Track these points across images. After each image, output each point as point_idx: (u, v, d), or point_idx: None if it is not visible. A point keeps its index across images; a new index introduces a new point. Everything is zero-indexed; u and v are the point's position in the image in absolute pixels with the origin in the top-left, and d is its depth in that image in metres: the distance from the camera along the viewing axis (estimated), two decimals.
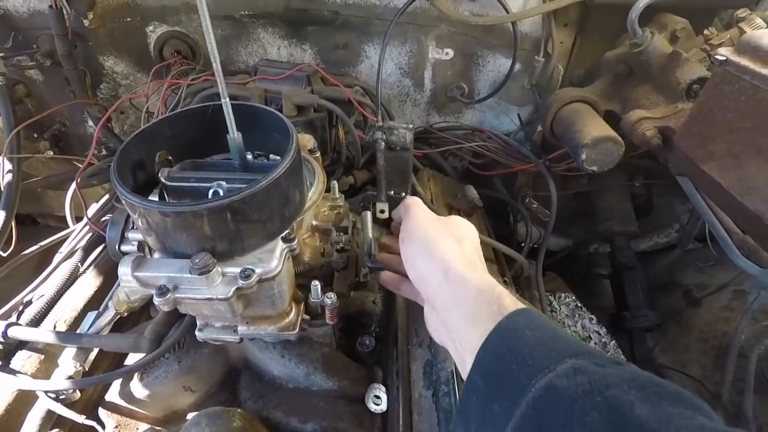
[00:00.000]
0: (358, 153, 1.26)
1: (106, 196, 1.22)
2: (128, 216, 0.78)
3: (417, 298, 0.69)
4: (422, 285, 0.61)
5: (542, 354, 0.43)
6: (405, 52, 1.36)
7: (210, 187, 0.63)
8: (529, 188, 1.39)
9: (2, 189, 1.11)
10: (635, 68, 1.07)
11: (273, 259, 0.62)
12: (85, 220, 1.06)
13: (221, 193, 0.62)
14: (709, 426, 0.34)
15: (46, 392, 0.72)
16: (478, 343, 0.48)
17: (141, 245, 0.76)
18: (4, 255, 1.10)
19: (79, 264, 0.97)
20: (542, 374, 0.41)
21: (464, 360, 0.52)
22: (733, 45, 0.81)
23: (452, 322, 0.55)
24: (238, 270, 0.60)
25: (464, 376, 0.52)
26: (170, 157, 0.70)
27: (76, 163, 1.40)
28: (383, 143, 1.04)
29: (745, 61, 0.70)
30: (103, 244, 1.04)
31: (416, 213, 0.66)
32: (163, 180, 0.66)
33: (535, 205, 1.38)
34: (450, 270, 0.57)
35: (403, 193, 1.11)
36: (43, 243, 1.13)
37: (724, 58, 0.73)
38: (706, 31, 1.01)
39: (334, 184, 0.85)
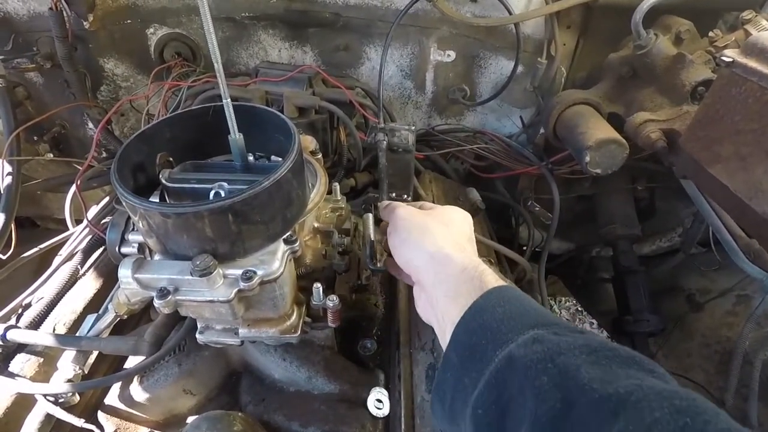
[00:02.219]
0: (359, 155, 1.26)
1: (106, 199, 1.22)
2: (128, 218, 0.77)
3: None
4: (410, 267, 0.63)
5: (508, 327, 0.45)
6: (406, 54, 1.36)
7: (211, 189, 0.63)
8: (531, 191, 1.39)
9: (2, 191, 1.11)
10: (639, 70, 1.07)
11: (275, 261, 0.61)
12: (84, 222, 1.06)
13: (222, 195, 0.61)
14: (653, 385, 0.35)
15: (45, 395, 0.71)
16: (456, 318, 0.50)
17: (141, 247, 0.76)
18: (4, 258, 1.09)
19: (78, 266, 0.97)
20: (505, 345, 0.43)
21: (445, 335, 0.53)
22: (739, 47, 0.81)
23: (436, 299, 0.57)
24: (239, 272, 0.59)
25: (444, 349, 0.53)
26: (171, 159, 0.69)
27: (76, 165, 1.39)
28: (385, 143, 1.03)
29: (752, 63, 0.70)
30: (103, 247, 1.03)
31: (399, 210, 0.67)
32: (163, 181, 0.65)
33: (537, 208, 1.37)
34: (436, 252, 0.58)
35: (405, 195, 1.10)
36: (42, 245, 1.12)
37: (731, 59, 0.72)
38: (711, 33, 1.01)
39: (336, 185, 0.84)
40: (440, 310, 0.56)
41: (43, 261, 1.11)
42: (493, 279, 0.53)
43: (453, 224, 0.65)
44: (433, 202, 1.14)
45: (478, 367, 0.45)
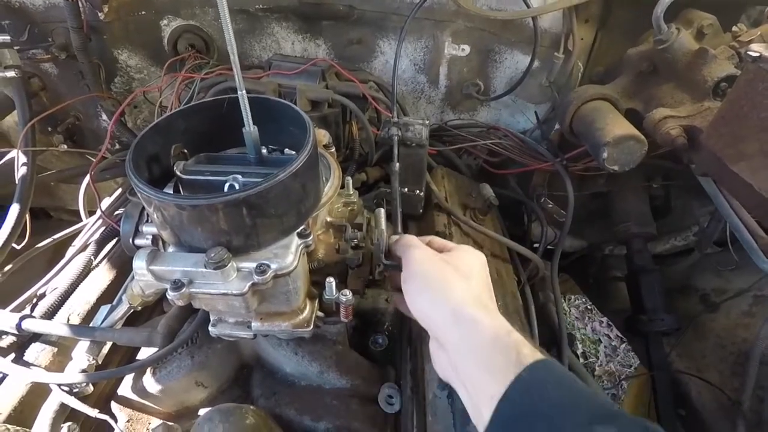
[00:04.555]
0: (371, 149, 1.25)
1: (119, 190, 1.22)
2: (142, 209, 0.78)
3: None
4: (428, 324, 0.59)
5: (565, 417, 0.43)
6: (420, 48, 1.34)
7: (226, 181, 0.62)
8: (544, 188, 1.37)
9: (17, 182, 1.11)
10: (659, 65, 1.04)
11: (288, 255, 0.61)
12: (98, 213, 1.06)
13: (237, 187, 0.61)
14: None
15: (59, 385, 0.72)
16: (495, 393, 0.47)
17: (155, 239, 0.76)
18: (18, 248, 1.10)
19: (92, 257, 0.97)
20: None
21: (479, 408, 0.50)
22: (764, 42, 0.78)
23: (464, 367, 0.53)
24: (253, 265, 0.59)
25: (477, 423, 0.51)
26: (185, 151, 0.69)
27: (89, 156, 1.40)
28: (398, 137, 1.02)
29: None
30: (117, 238, 1.04)
31: (415, 252, 0.63)
32: (178, 173, 0.65)
33: (550, 205, 1.35)
34: (459, 311, 0.55)
35: (417, 191, 1.09)
36: (56, 236, 1.13)
37: (758, 54, 0.70)
38: (734, 28, 0.98)
39: (348, 180, 0.83)
40: (470, 380, 0.53)
41: (57, 251, 1.12)
42: (529, 351, 0.50)
43: (473, 275, 0.61)
44: (446, 198, 1.13)
45: None
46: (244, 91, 0.61)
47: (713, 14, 1.04)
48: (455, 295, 0.56)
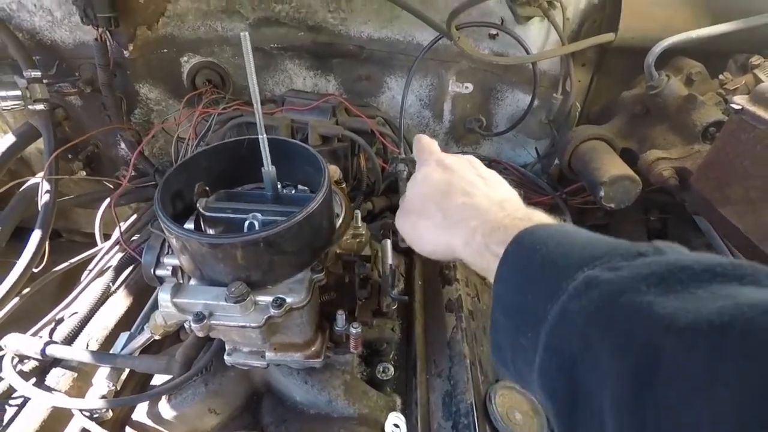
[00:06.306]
0: (378, 180, 1.30)
1: (134, 216, 1.27)
2: (164, 241, 0.82)
3: None
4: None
5: (554, 272, 0.38)
6: (426, 85, 1.41)
7: (246, 219, 0.67)
8: None
9: (40, 209, 1.16)
10: (652, 109, 1.10)
11: (303, 290, 0.65)
12: (115, 237, 1.11)
13: (257, 225, 0.66)
14: (752, 299, 0.27)
15: (81, 410, 0.75)
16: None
17: (175, 270, 0.80)
18: (36, 271, 1.14)
19: (110, 283, 1.01)
20: (556, 298, 0.36)
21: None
22: (748, 91, 0.84)
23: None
24: (270, 299, 0.63)
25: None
26: (207, 188, 0.74)
27: (106, 182, 1.46)
28: (405, 173, 1.08)
29: (760, 111, 0.73)
30: (133, 265, 1.08)
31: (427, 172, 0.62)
32: (201, 210, 0.70)
33: None
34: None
35: None
36: (73, 260, 1.17)
37: (740, 107, 0.75)
38: (721, 76, 1.04)
39: (357, 213, 0.87)
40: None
41: (68, 274, 1.16)
42: (519, 217, 0.46)
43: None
44: None
45: (530, 327, 0.38)
46: (264, 135, 0.66)
47: (701, 61, 1.10)
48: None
